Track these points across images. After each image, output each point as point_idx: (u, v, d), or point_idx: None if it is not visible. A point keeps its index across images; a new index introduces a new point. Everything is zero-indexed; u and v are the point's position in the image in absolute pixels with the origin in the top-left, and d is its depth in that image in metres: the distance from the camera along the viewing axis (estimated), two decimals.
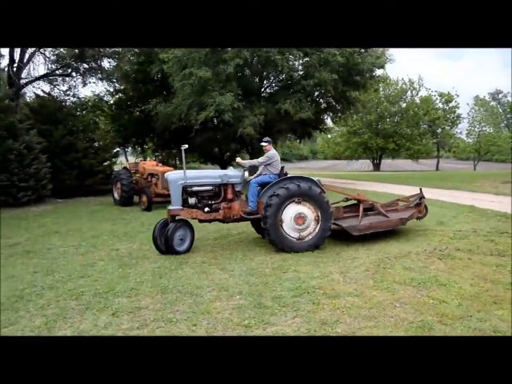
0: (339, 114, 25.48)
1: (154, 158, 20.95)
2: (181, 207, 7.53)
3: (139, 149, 30.86)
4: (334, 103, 23.03)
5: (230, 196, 7.92)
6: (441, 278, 5.69)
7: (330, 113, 25.50)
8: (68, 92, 23.56)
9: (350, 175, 36.48)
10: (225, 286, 5.68)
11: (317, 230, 7.56)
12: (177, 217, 7.61)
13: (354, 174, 41.67)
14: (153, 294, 5.50)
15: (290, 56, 19.86)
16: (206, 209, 7.70)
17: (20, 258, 7.84)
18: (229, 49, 17.52)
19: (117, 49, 22.63)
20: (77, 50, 21.56)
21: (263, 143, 8.24)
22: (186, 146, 7.52)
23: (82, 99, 24.55)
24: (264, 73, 21.53)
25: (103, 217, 12.84)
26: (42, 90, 22.66)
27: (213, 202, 7.85)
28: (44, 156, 17.71)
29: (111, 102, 27.86)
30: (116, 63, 23.87)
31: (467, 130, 57.90)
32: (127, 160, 26.33)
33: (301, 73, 20.74)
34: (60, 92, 23.39)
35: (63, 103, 21.76)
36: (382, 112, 50.78)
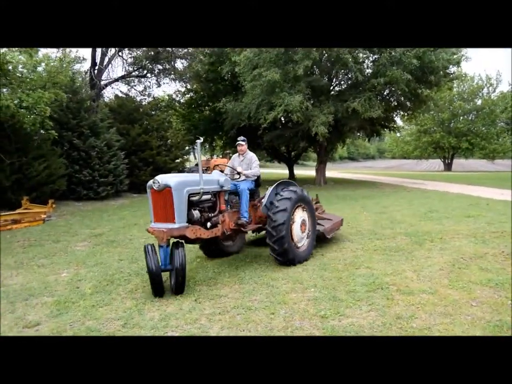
0: (409, 113, 24.93)
1: (221, 156, 21.53)
2: (187, 224, 5.61)
3: (208, 147, 31.76)
4: (404, 101, 22.55)
5: (223, 206, 6.52)
6: None
7: (401, 112, 24.99)
8: (144, 92, 24.75)
9: (420, 175, 35.44)
10: (300, 279, 5.90)
11: (309, 239, 7.14)
12: (174, 239, 5.70)
13: (424, 173, 40.39)
14: (231, 283, 5.83)
15: (359, 54, 19.74)
16: (208, 224, 6.08)
17: (106, 247, 8.50)
18: (299, 49, 17.69)
19: (189, 50, 23.51)
20: (152, 52, 22.64)
21: (241, 143, 7.12)
22: (202, 140, 6.14)
23: (156, 99, 25.65)
24: (333, 71, 21.50)
25: None
26: (120, 91, 24.10)
27: (212, 215, 6.24)
28: (122, 153, 18.82)
29: (183, 101, 28.96)
30: (188, 64, 24.79)
31: None
32: (195, 158, 27.25)
33: (370, 71, 20.52)
34: (136, 92, 24.63)
35: (140, 103, 22.93)
36: (455, 110, 48.78)
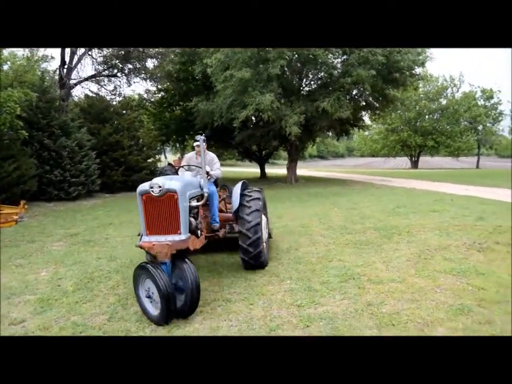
0: (377, 112, 25.60)
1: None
2: (189, 235, 4.92)
3: (179, 146, 31.78)
4: (372, 101, 23.19)
5: (202, 211, 5.79)
6: (480, 268, 5.99)
7: (369, 111, 25.65)
8: (114, 92, 24.57)
9: (388, 173, 36.33)
10: (276, 272, 6.16)
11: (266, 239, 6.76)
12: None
13: (392, 171, 41.39)
14: (210, 277, 6.04)
15: (329, 55, 20.20)
16: (199, 232, 5.37)
17: (83, 246, 8.57)
18: (271, 49, 17.98)
19: (160, 50, 23.46)
20: (122, 52, 22.50)
21: (199, 143, 5.78)
22: (202, 137, 5.69)
23: (127, 98, 25.50)
24: (304, 71, 21.92)
25: None
26: (90, 90, 23.80)
27: (198, 222, 5.39)
28: (93, 153, 18.72)
29: (154, 100, 28.85)
30: (159, 63, 24.73)
31: (510, 127, 56.43)
32: (166, 157, 27.16)
33: (339, 71, 21.01)
34: (106, 92, 24.43)
35: (110, 103, 22.81)
36: (421, 110, 50.18)
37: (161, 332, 4.32)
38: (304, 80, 23.29)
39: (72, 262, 7.21)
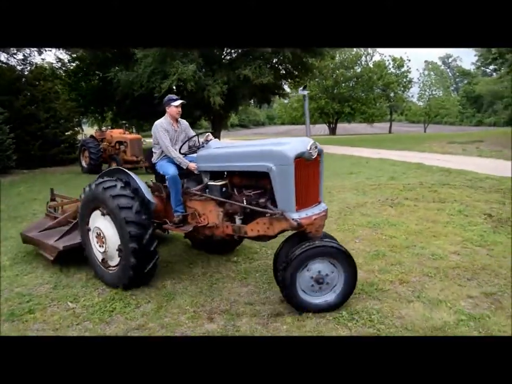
0: (297, 80, 26.30)
1: (113, 127, 21.08)
2: None
3: (98, 117, 30.70)
4: (292, 69, 23.83)
5: None
6: (392, 220, 6.77)
7: (289, 79, 26.27)
8: (25, 61, 23.14)
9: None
10: None
11: None
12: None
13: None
14: None
15: None
16: None
17: (10, 222, 8.35)
18: None
19: None
20: None
21: (177, 103, 5.03)
22: (307, 92, 4.15)
23: (39, 67, 24.10)
24: None
25: (76, 184, 13.22)
26: None
27: None
28: (7, 127, 17.71)
29: (67, 70, 27.39)
30: None
31: (418, 94, 60.18)
32: (83, 130, 26.27)
33: None
34: (17, 61, 22.94)
35: (22, 73, 21.52)
36: (338, 78, 51.88)
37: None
38: (225, 49, 23.33)
39: (2, 238, 7.08)
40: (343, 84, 52.97)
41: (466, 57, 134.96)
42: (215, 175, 4.65)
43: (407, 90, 58.65)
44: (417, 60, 63.99)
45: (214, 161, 4.56)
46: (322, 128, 62.60)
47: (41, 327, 3.97)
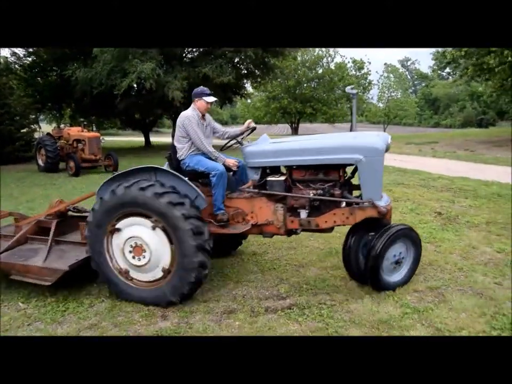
0: (259, 80, 26.46)
1: (71, 125, 20.58)
2: None
3: (57, 115, 29.91)
4: (253, 68, 23.95)
5: None
6: None
7: (251, 79, 26.40)
8: None
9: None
10: None
11: None
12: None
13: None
14: None
15: None
16: None
17: None
18: None
19: None
20: None
21: (211, 99, 4.75)
22: (355, 91, 4.72)
23: None
24: None
25: (32, 183, 12.96)
26: None
27: None
28: None
29: (22, 64, 26.47)
30: None
31: (378, 95, 61.44)
32: (40, 127, 25.52)
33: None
34: None
35: None
36: (300, 78, 52.38)
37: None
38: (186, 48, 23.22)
39: None
40: (305, 85, 53.53)
41: (425, 61, 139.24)
42: (265, 171, 4.63)
43: (367, 91, 59.85)
44: (377, 62, 65.33)
45: (276, 157, 4.48)
46: (285, 127, 63.11)
47: None
